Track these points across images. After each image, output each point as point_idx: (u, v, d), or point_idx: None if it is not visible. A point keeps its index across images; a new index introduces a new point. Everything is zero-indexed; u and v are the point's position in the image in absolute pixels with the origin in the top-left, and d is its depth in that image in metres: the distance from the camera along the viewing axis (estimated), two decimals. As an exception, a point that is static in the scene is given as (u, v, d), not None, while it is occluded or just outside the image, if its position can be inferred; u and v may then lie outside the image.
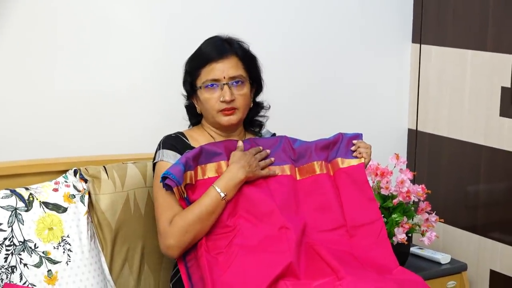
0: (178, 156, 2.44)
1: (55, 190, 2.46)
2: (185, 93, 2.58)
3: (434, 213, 2.97)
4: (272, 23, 3.19)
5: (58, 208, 2.42)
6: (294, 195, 2.49)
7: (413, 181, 3.17)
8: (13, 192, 2.38)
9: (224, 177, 2.40)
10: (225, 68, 2.46)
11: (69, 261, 2.37)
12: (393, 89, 3.58)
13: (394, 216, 2.88)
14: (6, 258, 2.28)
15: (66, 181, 2.51)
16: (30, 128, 2.72)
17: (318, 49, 3.32)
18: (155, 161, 2.49)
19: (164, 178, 2.33)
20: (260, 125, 2.65)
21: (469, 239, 3.38)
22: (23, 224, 2.33)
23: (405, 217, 2.89)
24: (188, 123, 2.64)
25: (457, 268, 3.14)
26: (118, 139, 2.88)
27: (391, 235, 2.84)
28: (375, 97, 3.52)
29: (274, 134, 2.70)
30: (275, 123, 2.75)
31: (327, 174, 2.54)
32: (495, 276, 3.28)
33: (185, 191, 2.39)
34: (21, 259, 2.30)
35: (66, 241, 2.38)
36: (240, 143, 2.51)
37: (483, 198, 3.34)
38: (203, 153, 2.44)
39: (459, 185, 3.42)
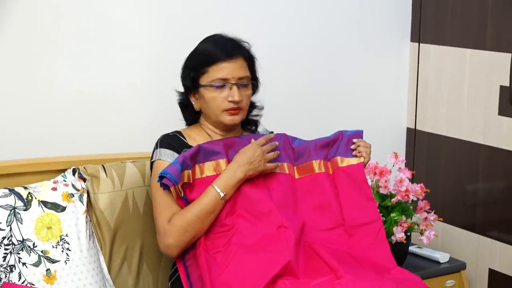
0: (176, 155, 2.44)
1: (54, 189, 2.46)
2: (181, 90, 2.57)
3: (432, 212, 2.98)
4: (270, 22, 3.19)
5: (56, 207, 2.42)
6: (293, 194, 2.49)
7: (412, 180, 3.17)
8: (12, 191, 2.38)
9: (223, 176, 2.40)
10: (234, 69, 2.46)
11: (68, 260, 2.37)
12: (392, 88, 3.58)
13: (392, 215, 2.88)
14: (4, 257, 2.28)
15: (64, 180, 2.51)
16: (29, 127, 2.72)
17: (317, 48, 3.32)
18: (152, 160, 2.48)
19: (161, 177, 2.33)
20: (256, 123, 2.66)
21: (468, 238, 3.38)
22: (21, 223, 2.33)
23: (403, 216, 2.89)
24: (185, 122, 2.64)
25: (456, 267, 3.14)
26: (117, 138, 2.88)
27: (389, 234, 2.84)
28: (373, 96, 3.52)
29: (271, 133, 2.70)
30: (273, 122, 2.75)
31: (325, 173, 2.54)
32: (494, 275, 3.28)
33: (183, 190, 2.38)
34: (19, 258, 2.30)
35: (64, 240, 2.38)
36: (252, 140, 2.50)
37: (482, 197, 3.34)
38: (201, 152, 2.43)
39: (458, 184, 3.42)
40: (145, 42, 2.92)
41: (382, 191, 2.87)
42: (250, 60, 2.53)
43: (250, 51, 2.54)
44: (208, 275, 2.29)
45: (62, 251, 2.37)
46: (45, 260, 2.33)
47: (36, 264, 2.32)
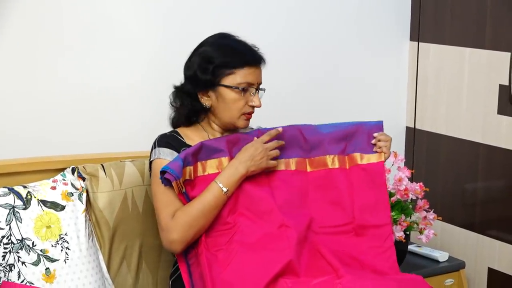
0: (175, 153, 2.42)
1: (53, 188, 2.46)
2: (187, 85, 2.49)
3: (432, 211, 2.97)
4: (268, 21, 3.19)
5: (56, 206, 2.42)
6: (299, 191, 2.48)
7: (411, 179, 3.17)
8: (11, 190, 2.38)
9: (225, 172, 2.39)
10: (259, 75, 2.48)
11: (67, 259, 2.37)
12: (391, 87, 3.58)
13: (392, 214, 2.87)
14: (4, 256, 2.28)
15: (64, 179, 2.51)
16: (28, 126, 2.72)
17: (316, 47, 3.32)
18: (151, 160, 2.47)
19: (162, 172, 2.32)
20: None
21: (467, 237, 3.38)
22: (21, 222, 2.33)
23: (403, 215, 2.88)
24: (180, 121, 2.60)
25: (455, 266, 3.14)
26: (116, 137, 2.88)
27: (389, 233, 2.84)
28: (373, 95, 3.52)
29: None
30: (273, 122, 2.75)
31: (339, 168, 2.51)
32: (493, 274, 3.29)
33: (184, 186, 2.38)
34: (19, 257, 2.30)
35: (64, 239, 2.38)
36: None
37: (481, 196, 3.34)
38: (204, 149, 2.41)
39: (457, 183, 3.42)
40: (144, 41, 2.91)
41: (381, 190, 2.87)
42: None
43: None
44: (209, 273, 2.29)
45: (62, 250, 2.37)
46: (44, 259, 2.33)
47: (36, 263, 2.32)
